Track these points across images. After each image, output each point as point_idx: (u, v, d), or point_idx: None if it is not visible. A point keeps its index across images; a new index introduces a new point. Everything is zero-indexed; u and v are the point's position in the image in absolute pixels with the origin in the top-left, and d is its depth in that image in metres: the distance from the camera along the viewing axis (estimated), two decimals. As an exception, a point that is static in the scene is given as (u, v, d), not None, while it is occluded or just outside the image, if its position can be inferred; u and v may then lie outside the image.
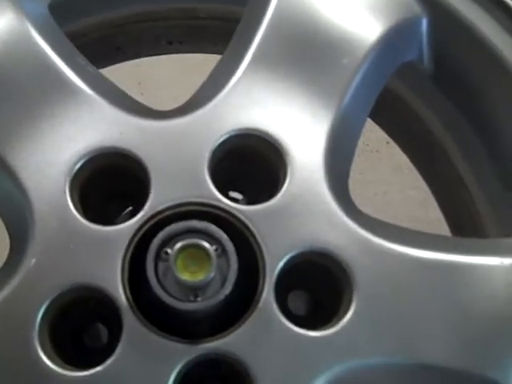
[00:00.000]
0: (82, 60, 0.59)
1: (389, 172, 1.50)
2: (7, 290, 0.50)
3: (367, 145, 1.52)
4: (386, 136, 0.83)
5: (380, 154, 1.51)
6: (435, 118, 0.69)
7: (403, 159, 0.82)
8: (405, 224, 0.57)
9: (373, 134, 1.44)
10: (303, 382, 0.50)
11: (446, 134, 0.69)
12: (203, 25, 0.76)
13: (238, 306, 0.50)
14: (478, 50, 0.60)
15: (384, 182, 1.51)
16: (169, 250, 0.49)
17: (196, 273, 0.48)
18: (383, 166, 1.51)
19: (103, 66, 0.79)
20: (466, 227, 0.73)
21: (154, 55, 0.86)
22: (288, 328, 0.50)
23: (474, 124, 0.64)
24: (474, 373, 0.52)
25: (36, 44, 0.57)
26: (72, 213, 0.52)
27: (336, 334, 0.50)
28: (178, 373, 0.50)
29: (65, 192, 0.53)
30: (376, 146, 1.51)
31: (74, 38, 0.64)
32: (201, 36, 0.79)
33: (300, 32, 0.57)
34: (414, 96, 0.70)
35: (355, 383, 0.51)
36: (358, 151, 1.56)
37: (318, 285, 0.56)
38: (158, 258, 0.49)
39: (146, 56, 0.86)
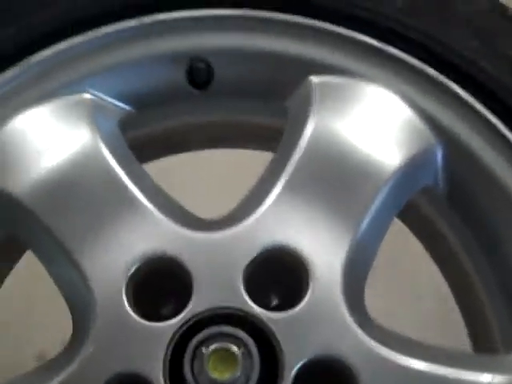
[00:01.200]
0: (143, 173, 0.70)
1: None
2: (66, 372, 0.61)
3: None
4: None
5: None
6: (454, 238, 0.76)
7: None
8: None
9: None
10: None
11: (465, 256, 0.76)
12: (250, 130, 0.86)
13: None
14: (487, 181, 0.69)
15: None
16: (203, 351, 0.58)
17: (224, 372, 0.57)
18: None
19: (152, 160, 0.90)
20: (480, 336, 0.80)
21: (201, 150, 0.96)
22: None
23: (482, 245, 0.72)
24: None
25: (105, 159, 0.67)
26: (126, 309, 0.62)
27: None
28: None
29: (121, 290, 0.63)
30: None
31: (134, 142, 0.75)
32: (248, 137, 0.89)
33: (329, 161, 0.67)
34: (434, 212, 0.77)
35: None
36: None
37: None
38: (194, 356, 0.59)
39: (193, 151, 0.96)
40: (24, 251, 0.79)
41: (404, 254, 1.43)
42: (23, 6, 0.69)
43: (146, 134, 0.80)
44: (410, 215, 0.76)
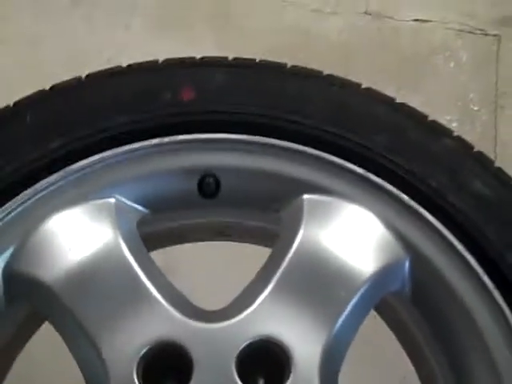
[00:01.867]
0: (155, 268, 0.82)
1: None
2: None
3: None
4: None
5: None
6: (418, 332, 0.89)
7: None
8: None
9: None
10: None
11: (427, 349, 0.89)
12: (250, 230, 0.99)
13: None
14: (446, 293, 0.82)
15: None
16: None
17: None
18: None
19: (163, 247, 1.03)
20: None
21: (207, 241, 1.09)
22: None
23: (442, 346, 0.84)
24: None
25: (124, 255, 0.80)
26: (136, 386, 0.74)
27: None
28: None
29: (133, 370, 0.75)
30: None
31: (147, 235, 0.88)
32: (247, 235, 1.02)
33: (313, 266, 0.80)
34: (402, 309, 0.90)
35: None
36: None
37: None
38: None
39: (200, 241, 1.09)
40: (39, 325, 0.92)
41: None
42: (70, 125, 0.83)
43: (158, 231, 0.93)
44: (383, 308, 0.89)
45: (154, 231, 0.92)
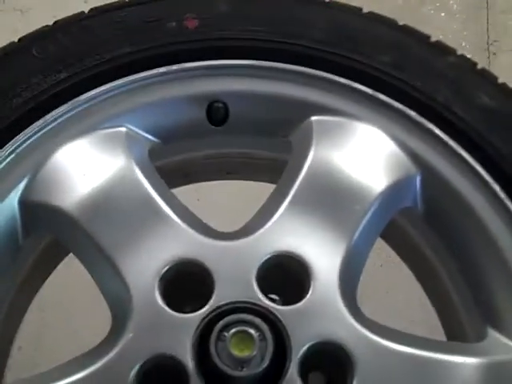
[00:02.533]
0: (170, 192, 0.83)
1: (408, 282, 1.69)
2: (112, 352, 0.72)
3: (389, 257, 1.74)
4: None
5: (401, 266, 1.72)
6: (430, 250, 0.90)
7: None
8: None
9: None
10: None
11: (439, 266, 0.90)
12: (256, 163, 1.00)
13: (271, 377, 0.71)
14: (457, 203, 0.83)
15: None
16: (226, 334, 0.70)
17: (243, 350, 0.69)
18: (403, 277, 1.71)
19: (173, 187, 1.03)
20: (455, 333, 0.93)
21: (216, 180, 1.10)
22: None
23: (456, 259, 0.85)
24: None
25: (138, 179, 0.81)
26: (158, 303, 0.74)
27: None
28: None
29: (154, 288, 0.75)
30: (397, 258, 1.72)
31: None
32: (253, 170, 1.03)
33: (325, 183, 0.81)
34: (413, 230, 0.92)
35: None
36: (380, 261, 1.77)
37: (329, 366, 0.77)
38: (217, 338, 0.71)
39: (208, 181, 1.10)
40: (63, 257, 0.92)
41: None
42: (78, 56, 0.83)
43: (168, 165, 0.93)
44: (393, 233, 0.90)
45: (164, 165, 0.92)
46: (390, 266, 1.73)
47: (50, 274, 0.98)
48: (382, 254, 1.75)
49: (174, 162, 0.95)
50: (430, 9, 1.82)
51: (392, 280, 1.69)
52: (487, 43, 1.80)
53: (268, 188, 0.91)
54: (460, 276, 0.86)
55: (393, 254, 1.73)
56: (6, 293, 0.87)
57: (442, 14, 1.81)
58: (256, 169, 1.02)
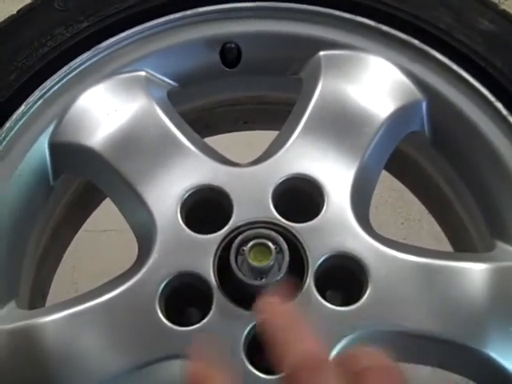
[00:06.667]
0: (188, 128, 0.88)
1: (429, 239, 1.73)
2: (141, 273, 0.77)
3: (410, 215, 1.77)
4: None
5: (421, 223, 1.76)
6: (439, 175, 0.94)
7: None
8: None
9: (415, 206, 1.69)
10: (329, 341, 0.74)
11: (448, 188, 0.94)
12: (271, 109, 1.04)
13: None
14: (463, 124, 0.86)
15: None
16: (244, 248, 0.75)
17: (262, 261, 0.74)
18: (424, 233, 1.74)
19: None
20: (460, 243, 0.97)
21: (234, 132, 1.14)
22: (322, 303, 0.75)
23: (465, 180, 0.89)
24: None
25: (159, 116, 0.86)
26: (181, 226, 0.79)
27: (355, 309, 0.75)
28: (249, 332, 0.75)
29: (176, 213, 0.80)
30: (418, 215, 1.76)
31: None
32: (270, 118, 1.07)
33: (335, 110, 0.85)
34: (423, 157, 0.95)
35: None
36: (401, 220, 1.79)
37: (345, 282, 0.81)
38: (237, 253, 0.75)
39: (227, 132, 1.15)
40: (94, 205, 0.98)
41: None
42: (97, 5, 0.89)
43: (189, 114, 0.98)
44: (402, 165, 0.94)
45: (185, 114, 0.97)
46: (411, 225, 1.77)
47: (82, 222, 1.04)
48: (402, 212, 1.79)
49: (194, 109, 1.00)
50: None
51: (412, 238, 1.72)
52: (499, 2, 1.82)
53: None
54: (469, 197, 0.89)
55: (413, 212, 1.77)
56: (40, 235, 0.92)
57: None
58: (272, 117, 1.06)
